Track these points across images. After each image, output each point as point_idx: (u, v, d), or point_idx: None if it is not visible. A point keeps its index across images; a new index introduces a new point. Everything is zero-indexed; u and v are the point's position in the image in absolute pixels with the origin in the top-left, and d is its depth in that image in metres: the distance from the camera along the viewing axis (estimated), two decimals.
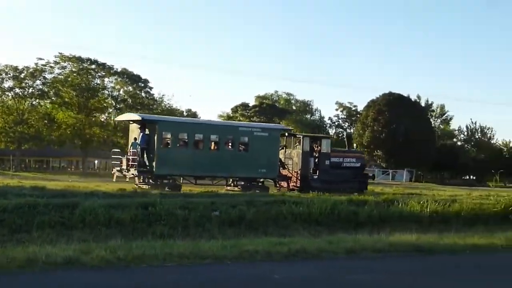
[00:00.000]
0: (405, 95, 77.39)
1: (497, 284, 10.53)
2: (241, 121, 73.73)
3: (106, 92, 62.76)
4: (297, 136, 36.11)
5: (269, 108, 79.72)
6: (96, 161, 76.96)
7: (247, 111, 77.73)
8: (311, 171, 34.15)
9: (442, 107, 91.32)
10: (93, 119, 61.66)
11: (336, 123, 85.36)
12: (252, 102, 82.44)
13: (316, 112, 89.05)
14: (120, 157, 33.24)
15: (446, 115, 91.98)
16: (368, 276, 10.67)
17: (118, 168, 32.00)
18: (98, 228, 17.41)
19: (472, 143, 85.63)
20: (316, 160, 34.49)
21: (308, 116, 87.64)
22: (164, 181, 30.37)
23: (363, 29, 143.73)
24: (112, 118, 60.58)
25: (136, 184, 30.69)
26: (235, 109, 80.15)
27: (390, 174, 69.33)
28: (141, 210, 18.94)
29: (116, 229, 17.39)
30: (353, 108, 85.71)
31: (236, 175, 32.47)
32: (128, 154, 31.49)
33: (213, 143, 32.21)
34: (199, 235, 17.00)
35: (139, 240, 13.54)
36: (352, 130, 78.88)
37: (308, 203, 21.54)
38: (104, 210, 18.21)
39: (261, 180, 33.36)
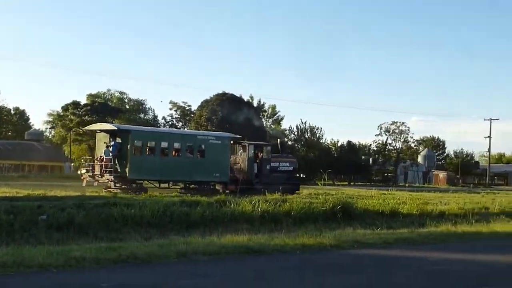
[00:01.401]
0: (238, 95, 78.62)
1: (326, 283, 10.77)
2: (72, 120, 73.94)
3: None
4: (243, 143, 39.93)
5: (102, 107, 77.67)
6: None
7: (79, 109, 75.20)
8: (254, 175, 38.24)
9: (274, 107, 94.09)
10: None
11: (170, 123, 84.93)
12: (83, 101, 79.83)
13: (150, 111, 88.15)
14: (91, 163, 36.60)
15: (277, 115, 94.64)
16: (200, 280, 10.56)
17: (90, 174, 35.03)
18: None
19: (302, 143, 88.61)
20: (258, 165, 38.66)
21: (142, 115, 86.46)
22: (132, 185, 33.78)
23: (195, 29, 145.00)
24: None
25: (106, 188, 33.35)
26: (65, 108, 77.25)
27: None
28: None
29: None
30: (187, 108, 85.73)
31: (195, 179, 36.04)
32: (99, 160, 34.59)
33: (176, 150, 36.14)
34: (25, 241, 16.04)
35: None
36: (186, 128, 78.81)
37: (140, 205, 21.12)
38: None
39: (213, 183, 37.09)
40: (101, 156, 34.57)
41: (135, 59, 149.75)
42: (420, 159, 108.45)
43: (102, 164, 33.94)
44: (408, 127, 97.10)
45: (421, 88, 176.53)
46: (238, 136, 40.76)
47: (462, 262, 13.92)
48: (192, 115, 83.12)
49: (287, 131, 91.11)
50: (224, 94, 77.34)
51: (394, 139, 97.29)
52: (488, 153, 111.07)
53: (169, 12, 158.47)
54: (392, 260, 14.00)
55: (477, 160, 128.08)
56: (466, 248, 16.41)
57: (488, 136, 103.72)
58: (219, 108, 74.34)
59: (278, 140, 48.08)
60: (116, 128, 36.53)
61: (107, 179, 33.77)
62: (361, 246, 15.33)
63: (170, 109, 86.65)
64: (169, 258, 12.22)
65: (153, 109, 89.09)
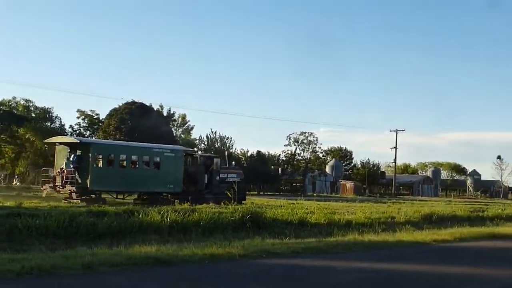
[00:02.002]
0: (148, 104, 77.95)
1: None
2: None
3: None
4: (195, 155, 43.46)
5: (6, 114, 75.30)
6: None
7: None
8: (204, 185, 40.84)
9: (184, 116, 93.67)
10: None
11: (78, 131, 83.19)
12: None
13: (57, 119, 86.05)
14: (51, 174, 38.33)
15: (187, 124, 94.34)
16: None
17: (51, 185, 36.63)
18: None
19: (213, 152, 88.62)
20: (208, 176, 41.18)
21: (48, 123, 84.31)
22: (91, 196, 35.17)
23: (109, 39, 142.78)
24: None
25: (66, 199, 34.77)
26: None
27: None
28: None
29: None
30: (95, 116, 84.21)
31: (151, 190, 37.91)
32: (59, 172, 36.19)
33: (133, 162, 38.34)
34: None
35: None
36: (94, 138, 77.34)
37: (45, 215, 20.52)
38: None
39: (166, 194, 39.08)
40: (61, 168, 36.37)
41: (43, 67, 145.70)
42: (328, 169, 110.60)
43: (63, 176, 35.70)
44: (317, 137, 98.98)
45: (330, 99, 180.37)
46: (190, 149, 44.11)
47: (369, 270, 14.27)
48: (100, 123, 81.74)
49: (197, 141, 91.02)
50: (133, 102, 76.55)
51: (302, 149, 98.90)
52: (394, 163, 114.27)
53: (77, 18, 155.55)
54: (300, 269, 14.19)
55: (383, 170, 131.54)
56: (373, 256, 16.82)
57: (394, 147, 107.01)
58: (128, 116, 73.40)
59: (226, 152, 51.21)
60: (78, 141, 38.94)
61: (69, 190, 35.59)
62: (270, 256, 15.48)
63: (78, 117, 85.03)
64: (74, 270, 11.95)
65: (60, 118, 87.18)
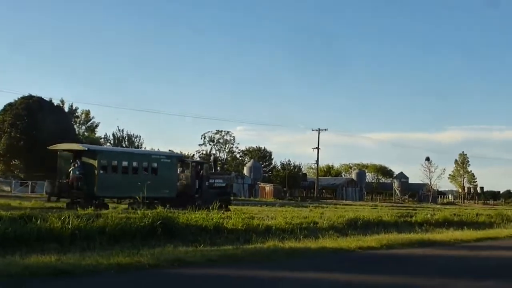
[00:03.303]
0: (47, 99, 76.26)
1: None
2: None
3: None
4: (186, 161, 47.85)
5: None
6: None
7: None
8: (195, 190, 45.16)
9: (88, 113, 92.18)
10: None
11: None
12: None
13: None
14: (58, 181, 41.20)
15: (91, 121, 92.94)
16: None
17: (56, 191, 40.46)
18: None
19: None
20: (199, 182, 45.47)
21: None
22: (94, 202, 38.46)
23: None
24: None
25: (69, 206, 38.10)
26: None
27: (30, 186, 67.57)
28: None
29: None
30: None
31: (149, 195, 38.26)
32: (66, 178, 40.05)
33: (134, 169, 42.73)
34: None
35: None
36: None
37: None
38: None
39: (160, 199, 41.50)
40: (70, 174, 40.02)
41: None
42: (245, 170, 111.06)
43: (70, 182, 39.72)
44: (234, 136, 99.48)
45: (247, 97, 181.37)
46: (184, 155, 49.25)
47: (292, 280, 14.36)
48: None
49: (102, 139, 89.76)
50: (30, 97, 74.69)
51: (218, 149, 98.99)
52: (316, 165, 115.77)
53: None
54: (215, 279, 14.18)
55: (305, 172, 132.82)
56: (294, 265, 16.96)
57: (316, 147, 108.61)
58: (25, 112, 71.64)
59: (212, 157, 56.35)
60: (86, 149, 42.99)
61: (75, 196, 39.80)
62: (183, 265, 15.42)
63: None
64: None
65: None
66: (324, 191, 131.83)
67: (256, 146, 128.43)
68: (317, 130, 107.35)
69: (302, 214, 37.69)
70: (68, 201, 40.19)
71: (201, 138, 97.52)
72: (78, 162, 40.20)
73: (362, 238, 25.47)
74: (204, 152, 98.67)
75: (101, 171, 40.90)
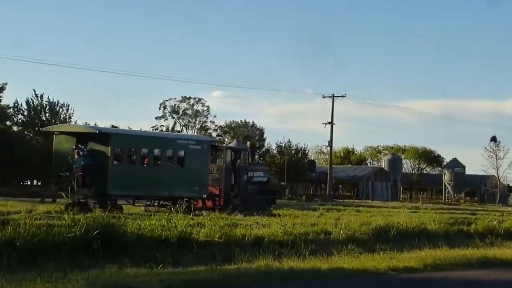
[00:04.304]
0: None
1: None
2: None
3: None
4: (219, 147, 49.97)
5: None
6: None
7: None
8: (231, 187, 46.31)
9: None
10: None
11: None
12: None
13: None
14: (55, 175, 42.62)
15: None
16: None
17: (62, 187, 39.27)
18: None
19: (38, 127, 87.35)
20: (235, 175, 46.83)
21: None
22: (107, 202, 38.60)
23: None
24: None
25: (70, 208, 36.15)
26: None
27: None
28: None
29: None
30: None
31: (174, 194, 42.96)
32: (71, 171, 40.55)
33: (156, 158, 44.20)
34: None
35: None
36: None
37: None
38: None
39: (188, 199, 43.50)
40: (74, 166, 40.69)
41: None
42: None
43: (75, 176, 39.45)
44: (208, 106, 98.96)
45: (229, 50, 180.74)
46: (216, 139, 49.51)
47: None
48: None
49: (10, 110, 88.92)
50: None
51: (185, 125, 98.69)
52: (329, 148, 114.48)
53: None
54: None
55: (312, 158, 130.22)
56: None
57: (330, 122, 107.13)
58: None
59: (248, 142, 56.95)
60: (97, 131, 43.66)
61: (84, 195, 40.07)
62: None
63: None
64: None
65: None
66: (340, 186, 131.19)
67: (241, 121, 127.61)
68: (330, 96, 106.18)
69: (309, 220, 37.72)
70: (69, 202, 38.56)
71: (160, 109, 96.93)
72: (85, 150, 41.11)
73: (397, 255, 25.56)
74: (164, 129, 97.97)
75: (115, 162, 42.22)
